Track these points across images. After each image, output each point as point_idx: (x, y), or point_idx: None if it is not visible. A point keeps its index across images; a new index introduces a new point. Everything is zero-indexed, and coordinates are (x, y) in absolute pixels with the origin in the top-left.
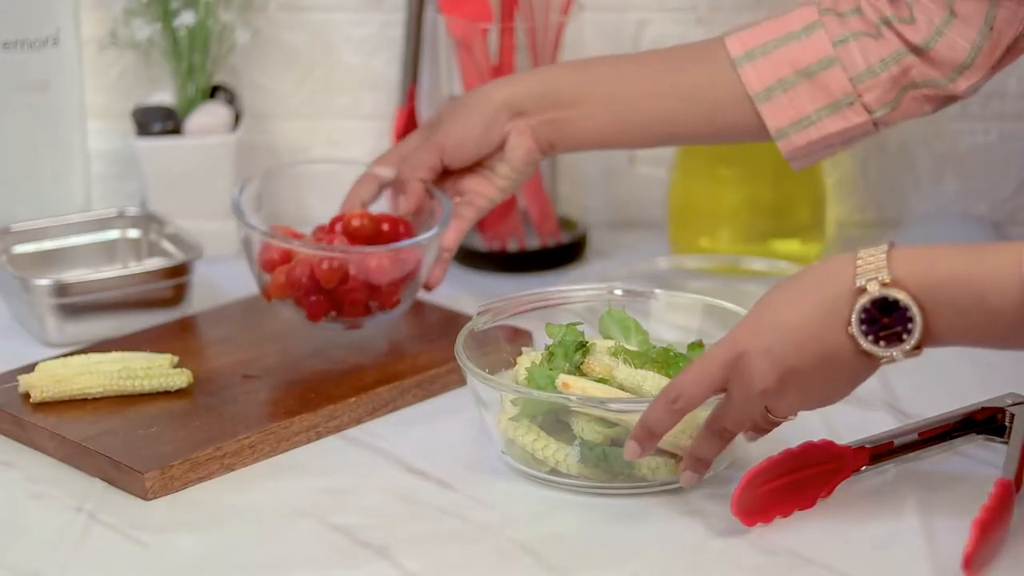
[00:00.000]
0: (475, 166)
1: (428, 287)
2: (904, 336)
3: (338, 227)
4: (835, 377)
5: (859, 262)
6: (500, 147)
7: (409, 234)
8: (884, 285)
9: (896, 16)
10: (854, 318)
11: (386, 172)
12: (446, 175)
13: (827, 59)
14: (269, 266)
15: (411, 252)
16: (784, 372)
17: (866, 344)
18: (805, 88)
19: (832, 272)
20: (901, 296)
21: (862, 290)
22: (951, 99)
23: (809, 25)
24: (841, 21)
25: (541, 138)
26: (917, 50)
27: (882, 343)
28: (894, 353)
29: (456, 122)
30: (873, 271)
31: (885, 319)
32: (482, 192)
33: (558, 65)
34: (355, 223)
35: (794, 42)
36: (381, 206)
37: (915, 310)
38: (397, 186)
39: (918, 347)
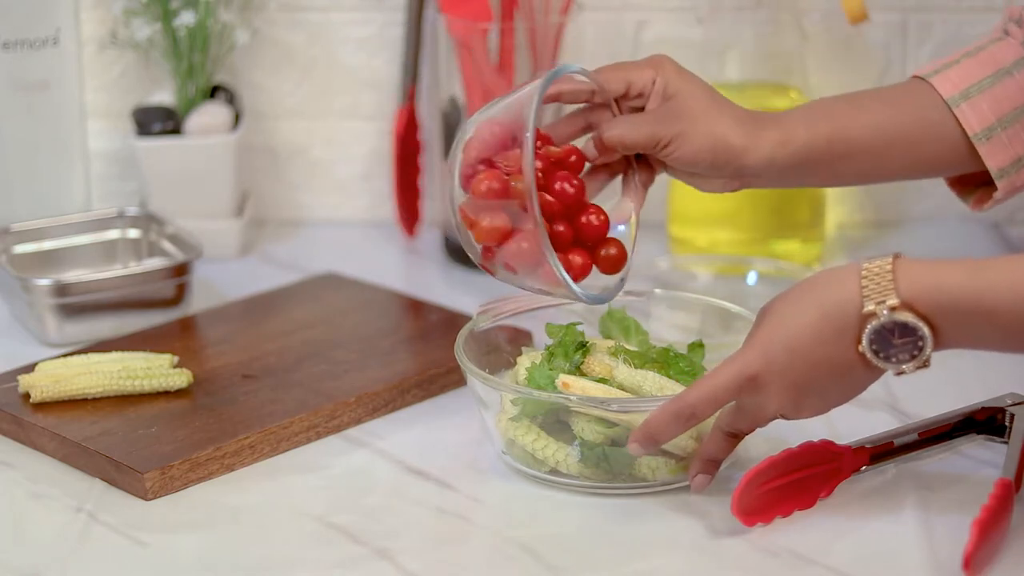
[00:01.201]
0: None
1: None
2: (915, 353)
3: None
4: (848, 386)
5: (864, 282)
6: None
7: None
8: (893, 309)
9: None
10: (865, 340)
11: (590, 83)
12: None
13: None
14: (483, 192)
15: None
16: (798, 393)
17: (877, 362)
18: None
19: (838, 288)
20: (910, 320)
21: (871, 314)
22: None
23: (1020, 59)
24: None
25: (748, 183)
26: None
27: (894, 360)
28: (905, 368)
29: (690, 142)
30: (880, 292)
31: (896, 340)
32: (654, 169)
33: (788, 119)
34: (558, 186)
35: (1007, 78)
36: None
37: (926, 331)
38: (600, 144)
39: (928, 359)
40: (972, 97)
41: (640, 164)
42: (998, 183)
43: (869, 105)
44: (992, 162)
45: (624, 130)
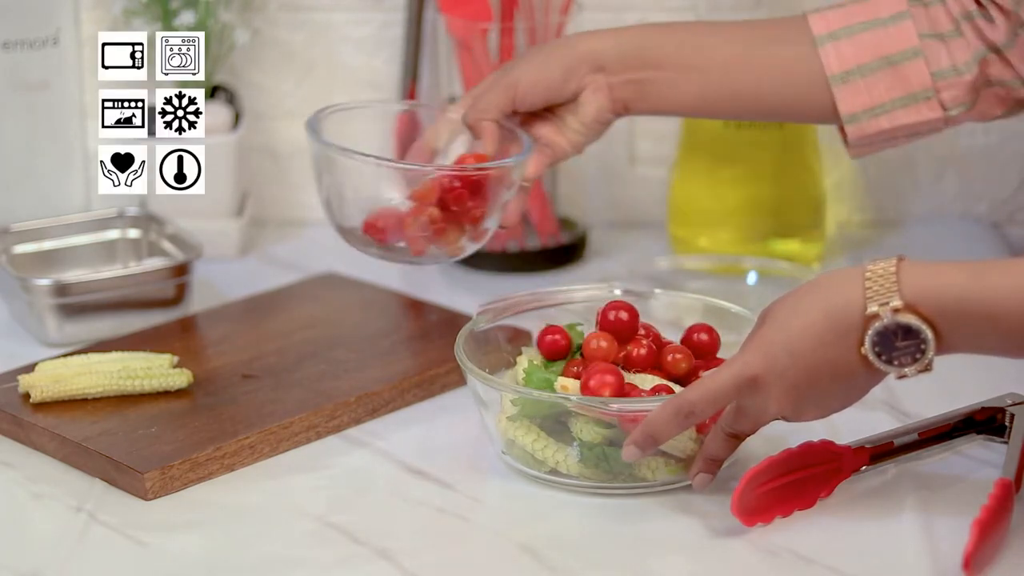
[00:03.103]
0: (548, 114)
1: (504, 225)
2: (917, 356)
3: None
4: (849, 389)
5: (868, 283)
6: (574, 98)
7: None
8: (896, 311)
9: (978, 12)
10: (867, 342)
11: (458, 115)
12: (519, 120)
13: (912, 50)
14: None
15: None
16: (799, 395)
17: (879, 364)
18: (885, 76)
19: (842, 290)
20: (913, 322)
21: (875, 316)
22: (1022, 104)
23: (897, 14)
24: (927, 13)
25: (617, 98)
26: (996, 49)
27: (895, 363)
28: (907, 371)
29: (532, 64)
30: (884, 294)
31: (899, 342)
32: (555, 141)
33: (645, 25)
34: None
35: (880, 28)
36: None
37: (928, 334)
38: (471, 129)
39: (930, 363)
40: (839, 39)
41: (543, 142)
42: (847, 127)
43: (734, 30)
44: (844, 106)
45: (479, 105)
